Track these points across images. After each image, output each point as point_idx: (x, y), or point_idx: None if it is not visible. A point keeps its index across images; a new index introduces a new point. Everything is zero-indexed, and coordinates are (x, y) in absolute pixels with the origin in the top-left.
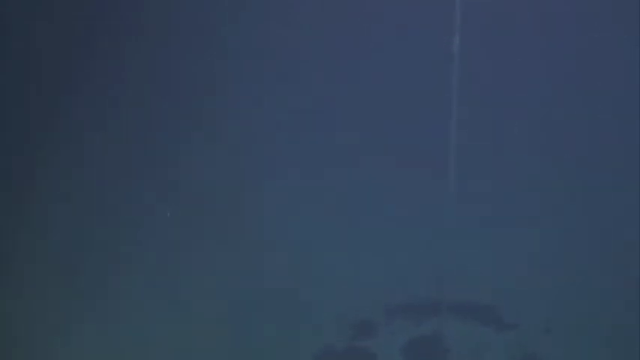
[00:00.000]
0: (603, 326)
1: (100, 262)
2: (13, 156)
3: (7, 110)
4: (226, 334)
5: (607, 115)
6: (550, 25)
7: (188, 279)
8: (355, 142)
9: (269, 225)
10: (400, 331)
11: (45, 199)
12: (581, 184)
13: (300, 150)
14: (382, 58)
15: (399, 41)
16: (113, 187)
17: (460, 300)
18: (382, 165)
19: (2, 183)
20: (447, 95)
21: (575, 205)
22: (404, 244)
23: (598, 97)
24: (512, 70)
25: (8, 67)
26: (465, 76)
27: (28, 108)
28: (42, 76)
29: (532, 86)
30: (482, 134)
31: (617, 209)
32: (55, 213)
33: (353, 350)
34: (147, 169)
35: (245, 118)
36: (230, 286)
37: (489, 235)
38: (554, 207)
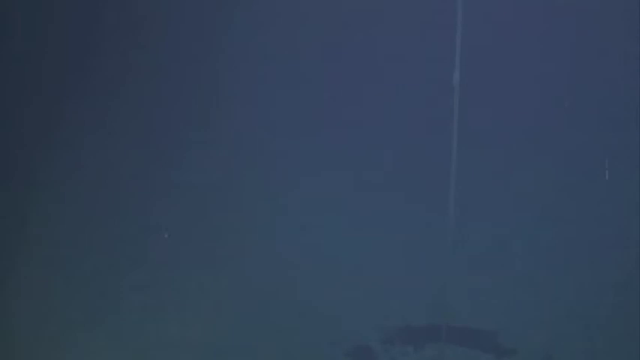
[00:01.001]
0: (604, 331)
1: (99, 262)
2: (13, 156)
3: (7, 110)
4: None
5: (607, 115)
6: (550, 25)
7: (188, 279)
8: (355, 141)
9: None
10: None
11: (45, 199)
12: (582, 184)
13: (300, 150)
14: (382, 58)
15: (399, 41)
16: (113, 187)
17: (460, 323)
18: (382, 165)
19: (2, 183)
20: (447, 95)
21: (575, 206)
22: (403, 252)
23: (598, 97)
24: (512, 70)
25: (8, 67)
26: (465, 76)
27: (28, 108)
28: (42, 76)
29: (532, 86)
30: (482, 134)
31: (617, 209)
32: (55, 213)
33: None
34: (147, 169)
35: (245, 118)
36: (229, 287)
37: (490, 244)
38: (555, 210)
